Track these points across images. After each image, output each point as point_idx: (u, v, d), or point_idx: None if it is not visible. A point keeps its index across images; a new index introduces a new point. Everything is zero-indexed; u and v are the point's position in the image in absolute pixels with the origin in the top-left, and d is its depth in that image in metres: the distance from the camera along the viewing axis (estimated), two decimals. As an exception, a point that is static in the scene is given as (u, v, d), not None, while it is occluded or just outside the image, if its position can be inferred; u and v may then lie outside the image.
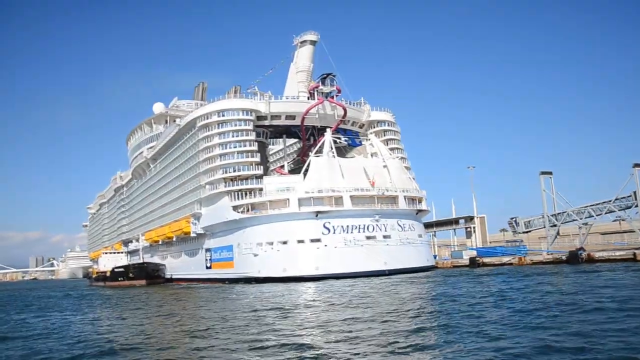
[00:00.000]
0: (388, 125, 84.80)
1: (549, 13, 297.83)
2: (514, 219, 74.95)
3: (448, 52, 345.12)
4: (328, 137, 73.76)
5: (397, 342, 18.83)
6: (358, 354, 17.22)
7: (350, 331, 21.63)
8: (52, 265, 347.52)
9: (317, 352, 17.85)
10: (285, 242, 66.25)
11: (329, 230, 66.05)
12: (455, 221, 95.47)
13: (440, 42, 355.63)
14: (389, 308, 29.60)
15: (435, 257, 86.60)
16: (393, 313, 27.04)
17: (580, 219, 65.78)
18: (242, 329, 24.53)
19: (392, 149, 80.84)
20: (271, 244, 66.89)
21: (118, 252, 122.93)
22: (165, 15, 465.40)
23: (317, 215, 66.22)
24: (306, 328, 23.84)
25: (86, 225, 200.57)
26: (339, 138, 77.90)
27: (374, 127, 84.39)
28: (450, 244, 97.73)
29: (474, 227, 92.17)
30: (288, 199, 67.42)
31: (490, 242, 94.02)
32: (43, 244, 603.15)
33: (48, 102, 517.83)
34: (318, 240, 65.56)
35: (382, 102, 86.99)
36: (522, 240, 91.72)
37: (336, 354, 17.43)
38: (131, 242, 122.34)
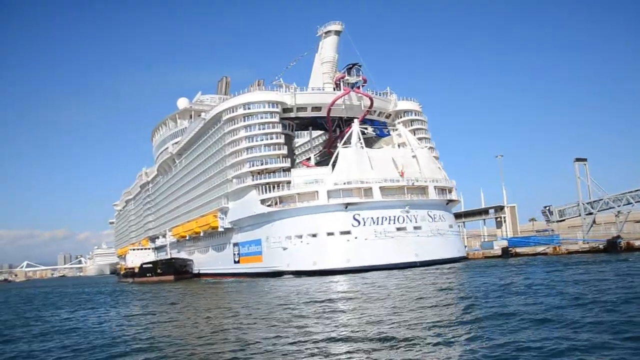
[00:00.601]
0: (415, 115, 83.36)
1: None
2: (547, 208, 72.99)
3: (474, 39, 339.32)
4: (356, 127, 72.64)
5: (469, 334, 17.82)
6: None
7: (408, 324, 20.73)
8: (79, 262, 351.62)
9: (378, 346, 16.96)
10: (314, 235, 65.41)
11: (358, 222, 65.04)
12: (485, 211, 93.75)
13: (465, 29, 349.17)
14: (440, 299, 28.61)
15: (465, 247, 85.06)
16: (447, 305, 26.04)
17: (618, 206, 63.72)
18: (289, 324, 23.70)
19: (419, 139, 79.45)
20: (300, 237, 66.12)
21: (145, 248, 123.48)
22: (186, 10, 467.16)
23: (346, 207, 65.24)
24: (360, 323, 22.84)
25: (113, 222, 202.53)
26: (367, 128, 76.65)
27: (401, 117, 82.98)
28: (481, 235, 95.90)
29: (504, 217, 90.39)
30: (317, 192, 66.52)
31: (521, 232, 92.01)
32: (70, 242, 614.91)
33: (72, 101, 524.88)
34: (348, 232, 64.61)
35: (407, 92, 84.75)
36: (552, 230, 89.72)
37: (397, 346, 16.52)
38: (158, 238, 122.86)
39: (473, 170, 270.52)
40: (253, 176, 72.04)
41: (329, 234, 64.81)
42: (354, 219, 65.09)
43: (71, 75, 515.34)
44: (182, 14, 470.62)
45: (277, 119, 73.43)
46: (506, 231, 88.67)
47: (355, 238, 64.35)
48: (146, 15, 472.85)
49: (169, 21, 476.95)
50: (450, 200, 74.49)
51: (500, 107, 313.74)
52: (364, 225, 65.03)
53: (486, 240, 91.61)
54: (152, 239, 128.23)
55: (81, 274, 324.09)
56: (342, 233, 64.59)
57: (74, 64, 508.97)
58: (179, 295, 52.84)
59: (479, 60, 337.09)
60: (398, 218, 66.64)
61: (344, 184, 66.46)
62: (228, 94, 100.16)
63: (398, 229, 66.16)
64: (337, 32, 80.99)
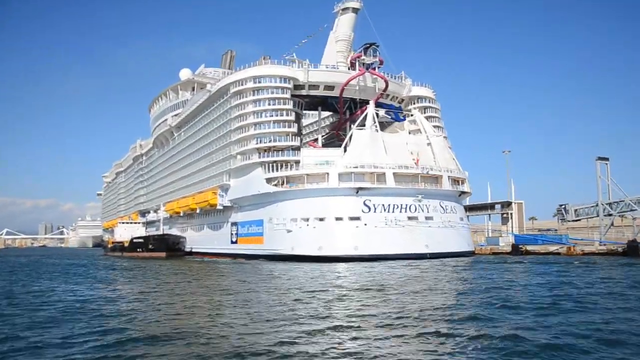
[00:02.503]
0: (429, 102, 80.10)
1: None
2: (563, 206, 70.35)
3: (490, 31, 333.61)
4: (371, 109, 69.31)
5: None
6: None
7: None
8: (61, 233, 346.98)
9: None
10: (322, 219, 62.14)
11: (369, 208, 61.89)
12: (491, 206, 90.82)
13: (483, 19, 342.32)
14: (462, 294, 25.67)
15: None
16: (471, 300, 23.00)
17: (640, 208, 61.10)
18: (304, 310, 20.74)
19: (433, 127, 76.23)
20: (307, 220, 62.81)
21: (135, 222, 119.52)
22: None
23: (357, 192, 62.03)
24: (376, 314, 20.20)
25: (100, 194, 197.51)
26: (381, 112, 73.21)
27: (414, 104, 79.66)
28: (484, 229, 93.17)
29: (511, 213, 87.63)
30: (327, 173, 63.20)
31: (526, 230, 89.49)
32: (53, 212, 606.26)
33: (63, 65, 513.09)
34: (357, 218, 61.43)
35: (419, 78, 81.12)
36: (556, 229, 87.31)
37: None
38: (149, 212, 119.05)
39: (479, 163, 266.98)
40: (259, 153, 68.58)
41: (338, 218, 61.58)
42: (365, 204, 61.92)
43: (60, 39, 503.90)
44: None
45: (288, 95, 69.94)
46: (512, 228, 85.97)
47: (365, 225, 61.21)
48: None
49: None
50: (463, 192, 71.64)
51: (513, 102, 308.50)
52: (375, 211, 61.91)
53: (491, 235, 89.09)
54: (143, 213, 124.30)
55: (62, 245, 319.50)
56: (352, 219, 61.39)
57: (64, 26, 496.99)
58: (182, 275, 49.42)
59: (496, 52, 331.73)
60: (410, 207, 63.57)
61: (357, 167, 63.19)
62: (232, 68, 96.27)
63: (409, 218, 63.12)
64: (355, 10, 77.42)
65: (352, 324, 18.33)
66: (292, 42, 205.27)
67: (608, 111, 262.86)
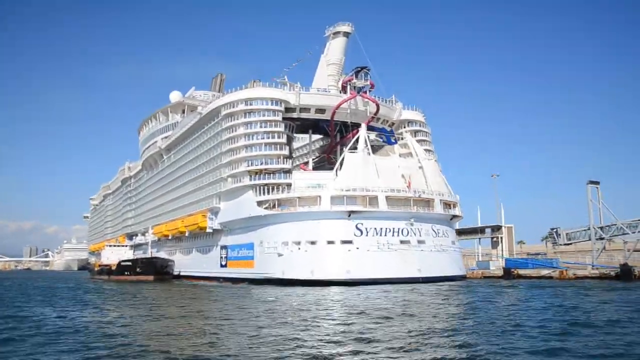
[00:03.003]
0: (419, 125, 79.77)
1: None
2: (555, 230, 69.85)
3: (482, 53, 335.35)
4: (363, 132, 68.72)
5: None
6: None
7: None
8: (46, 256, 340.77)
9: None
10: (313, 243, 60.94)
11: (361, 232, 60.85)
12: (481, 230, 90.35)
13: (475, 41, 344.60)
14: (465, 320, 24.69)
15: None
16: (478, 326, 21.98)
17: (633, 232, 60.68)
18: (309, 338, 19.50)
19: (424, 151, 75.75)
20: (298, 243, 61.59)
21: (123, 245, 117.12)
22: (178, 3, 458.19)
23: (349, 216, 61.00)
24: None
25: (87, 217, 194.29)
26: (372, 135, 72.63)
27: (405, 127, 79.31)
28: (475, 253, 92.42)
29: (501, 237, 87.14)
30: (319, 197, 62.20)
31: (515, 254, 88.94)
32: (37, 235, 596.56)
33: (50, 87, 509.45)
34: (350, 242, 60.30)
35: (409, 102, 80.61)
36: (545, 253, 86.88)
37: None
38: (136, 235, 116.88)
39: (468, 187, 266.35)
40: (250, 176, 67.52)
41: (330, 242, 60.41)
42: (357, 228, 60.90)
43: (47, 60, 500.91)
44: (175, 9, 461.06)
45: (279, 118, 69.18)
46: (502, 251, 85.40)
47: (357, 248, 60.08)
48: (135, 6, 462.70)
49: (161, 14, 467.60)
50: (455, 216, 70.92)
51: (502, 125, 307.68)
52: (367, 235, 60.86)
53: (480, 259, 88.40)
54: (130, 236, 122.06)
55: (47, 268, 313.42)
56: (344, 242, 60.25)
57: (50, 48, 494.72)
58: (171, 298, 47.85)
59: (486, 72, 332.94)
60: (402, 230, 62.61)
61: (349, 190, 62.30)
62: (222, 91, 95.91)
63: (402, 241, 62.10)
64: (346, 34, 77.37)
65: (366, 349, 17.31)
66: (281, 65, 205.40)
67: (596, 135, 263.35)
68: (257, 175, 67.16)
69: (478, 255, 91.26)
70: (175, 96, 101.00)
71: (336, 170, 65.58)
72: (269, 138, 67.95)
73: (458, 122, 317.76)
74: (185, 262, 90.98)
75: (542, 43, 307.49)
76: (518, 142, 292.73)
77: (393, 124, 79.40)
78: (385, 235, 61.56)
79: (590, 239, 65.13)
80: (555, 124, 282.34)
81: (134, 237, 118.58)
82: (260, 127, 68.45)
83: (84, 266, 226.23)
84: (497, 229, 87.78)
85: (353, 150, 67.37)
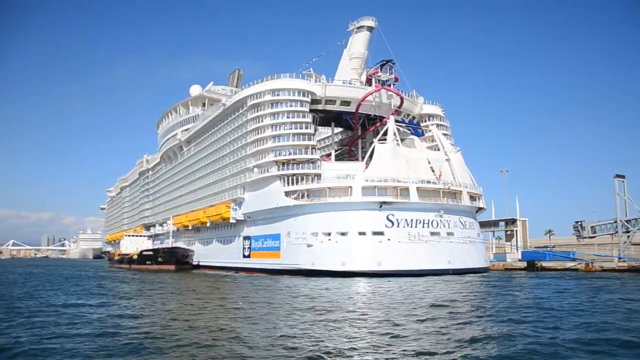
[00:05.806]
0: (439, 119, 74.78)
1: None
2: (580, 223, 64.96)
3: (501, 48, 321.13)
4: (392, 124, 63.64)
5: None
6: None
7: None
8: (63, 245, 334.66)
9: None
10: (344, 234, 55.88)
11: (392, 223, 55.84)
12: (495, 223, 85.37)
13: (497, 37, 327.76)
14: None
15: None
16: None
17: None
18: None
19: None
20: (328, 234, 56.45)
21: (141, 235, 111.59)
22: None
23: (380, 206, 56.00)
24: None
25: (104, 208, 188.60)
26: (401, 126, 67.63)
27: (425, 121, 74.33)
28: (490, 246, 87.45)
29: (515, 230, 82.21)
30: (350, 187, 57.09)
31: (530, 247, 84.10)
32: (54, 225, 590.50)
33: (69, 83, 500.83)
34: (381, 233, 55.33)
35: (428, 96, 75.34)
36: (554, 246, 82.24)
37: None
38: (154, 226, 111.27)
39: (481, 181, 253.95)
40: (278, 166, 62.31)
41: (361, 233, 55.43)
42: (388, 219, 55.89)
43: (69, 55, 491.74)
44: (193, 6, 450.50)
45: (306, 108, 64.06)
46: (517, 244, 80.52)
47: (388, 240, 55.12)
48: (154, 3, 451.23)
49: (177, 11, 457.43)
50: (480, 208, 66.03)
51: (523, 119, 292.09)
52: (398, 226, 55.88)
53: (495, 251, 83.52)
54: (147, 226, 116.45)
55: (64, 256, 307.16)
56: (375, 233, 55.29)
57: (72, 41, 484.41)
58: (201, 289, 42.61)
59: (508, 66, 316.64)
60: (432, 222, 57.66)
61: (380, 181, 57.20)
62: (240, 87, 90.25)
63: (432, 233, 57.19)
64: (370, 28, 72.32)
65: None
66: (299, 61, 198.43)
67: (620, 128, 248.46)
68: (284, 166, 62.01)
69: (492, 247, 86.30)
70: (195, 89, 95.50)
71: (366, 161, 60.45)
72: (296, 128, 62.80)
73: (474, 119, 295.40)
74: (204, 252, 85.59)
75: (563, 35, 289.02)
76: (531, 138, 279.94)
77: (414, 117, 74.33)
78: (416, 226, 56.63)
79: (615, 232, 60.36)
80: (574, 121, 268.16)
81: (151, 228, 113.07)
82: (288, 117, 63.28)
83: (99, 255, 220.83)
84: (511, 222, 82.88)
85: (382, 141, 62.21)
